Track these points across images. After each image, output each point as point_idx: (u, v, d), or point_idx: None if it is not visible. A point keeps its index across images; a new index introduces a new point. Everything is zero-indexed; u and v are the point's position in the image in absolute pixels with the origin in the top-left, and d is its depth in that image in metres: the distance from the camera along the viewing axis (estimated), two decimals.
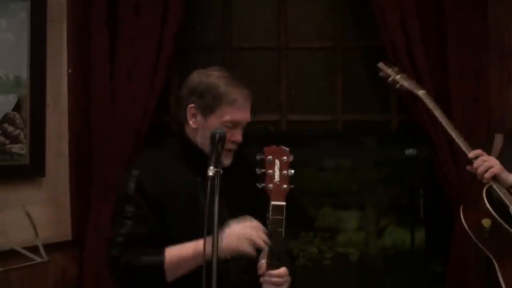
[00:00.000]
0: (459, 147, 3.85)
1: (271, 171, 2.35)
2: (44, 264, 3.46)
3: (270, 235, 2.31)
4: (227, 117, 2.42)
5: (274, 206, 2.33)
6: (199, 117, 2.47)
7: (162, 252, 2.34)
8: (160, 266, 2.32)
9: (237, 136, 2.46)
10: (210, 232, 2.09)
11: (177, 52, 4.16)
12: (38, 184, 3.89)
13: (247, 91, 2.48)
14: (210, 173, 2.16)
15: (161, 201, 2.41)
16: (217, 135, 2.29)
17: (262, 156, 2.39)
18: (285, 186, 2.36)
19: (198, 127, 2.48)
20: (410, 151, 4.07)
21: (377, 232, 4.28)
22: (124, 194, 2.45)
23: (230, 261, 2.37)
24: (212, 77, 2.48)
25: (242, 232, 2.30)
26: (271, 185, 2.34)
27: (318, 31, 4.36)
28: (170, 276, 2.33)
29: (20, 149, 3.73)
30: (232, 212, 2.43)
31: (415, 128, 4.02)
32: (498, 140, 3.09)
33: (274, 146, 2.41)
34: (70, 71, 4.04)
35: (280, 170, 2.36)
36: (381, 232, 4.28)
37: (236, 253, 2.32)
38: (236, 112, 2.43)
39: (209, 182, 2.14)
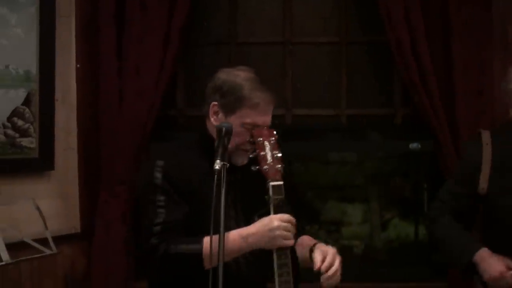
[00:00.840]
0: (463, 142, 3.92)
1: (263, 153, 2.37)
2: (53, 256, 3.51)
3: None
4: (247, 120, 2.44)
5: (274, 186, 2.34)
6: (220, 115, 2.49)
7: (200, 241, 2.37)
8: (199, 254, 2.36)
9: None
10: (218, 226, 2.12)
11: (184, 47, 4.19)
12: (47, 177, 3.92)
13: (271, 96, 2.49)
14: (217, 167, 2.18)
15: (186, 189, 2.45)
16: (224, 129, 2.30)
17: (251, 139, 2.42)
18: (278, 166, 2.37)
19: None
20: (414, 145, 4.07)
21: (382, 225, 4.28)
22: (152, 184, 2.47)
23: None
24: (238, 78, 2.49)
25: (274, 226, 2.31)
26: (266, 167, 2.35)
27: (323, 26, 4.38)
28: (208, 264, 2.33)
29: (30, 142, 3.76)
30: (245, 206, 2.49)
31: (419, 122, 4.04)
32: (486, 136, 3.06)
33: (261, 128, 2.44)
34: (78, 66, 4.06)
35: (271, 151, 2.38)
36: (386, 225, 4.28)
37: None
38: (257, 115, 2.45)
39: (215, 176, 2.17)
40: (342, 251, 4.18)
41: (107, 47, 4.01)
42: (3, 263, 3.18)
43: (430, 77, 3.90)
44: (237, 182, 2.40)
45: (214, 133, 2.46)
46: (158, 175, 2.46)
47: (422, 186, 4.21)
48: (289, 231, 2.33)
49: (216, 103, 2.50)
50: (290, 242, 2.34)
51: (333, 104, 4.34)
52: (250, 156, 2.42)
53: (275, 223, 2.31)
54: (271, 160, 2.36)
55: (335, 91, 4.34)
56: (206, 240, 2.33)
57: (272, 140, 2.40)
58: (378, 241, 4.29)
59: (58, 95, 3.92)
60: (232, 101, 2.45)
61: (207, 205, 2.30)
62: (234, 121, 2.43)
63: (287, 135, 4.29)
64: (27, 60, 3.73)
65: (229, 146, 2.39)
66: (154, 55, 3.97)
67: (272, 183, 2.34)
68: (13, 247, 3.33)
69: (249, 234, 2.37)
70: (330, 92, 4.36)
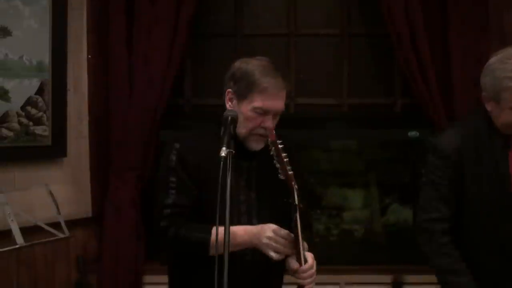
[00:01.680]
0: None
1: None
2: (66, 239, 3.57)
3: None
4: (256, 104, 2.44)
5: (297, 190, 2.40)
6: (234, 102, 2.51)
7: (209, 231, 2.40)
8: (206, 244, 2.41)
9: (267, 122, 2.46)
10: (224, 213, 2.14)
11: (191, 39, 4.25)
12: (60, 164, 4.00)
13: (282, 82, 2.45)
14: (223, 154, 2.20)
15: (198, 174, 2.48)
16: (229, 118, 2.34)
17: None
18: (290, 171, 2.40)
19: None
20: (413, 133, 4.13)
21: (381, 210, 4.31)
22: (167, 166, 2.52)
23: None
24: (250, 64, 2.50)
25: (269, 241, 2.37)
26: (290, 172, 2.38)
27: (326, 18, 4.45)
28: (213, 252, 2.35)
29: (43, 130, 3.85)
30: (260, 195, 2.52)
31: (418, 111, 4.12)
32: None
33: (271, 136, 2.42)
34: (89, 56, 4.13)
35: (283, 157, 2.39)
36: (385, 210, 4.28)
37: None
38: (266, 100, 2.44)
39: (221, 163, 2.18)
40: (343, 235, 4.25)
41: (117, 38, 4.06)
42: (17, 246, 3.25)
43: (429, 68, 3.97)
44: (251, 168, 2.43)
45: None
46: (173, 157, 2.50)
47: (420, 172, 4.20)
48: (280, 244, 2.37)
49: (230, 90, 2.52)
50: (276, 256, 2.38)
51: (335, 94, 4.42)
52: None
53: (267, 233, 2.37)
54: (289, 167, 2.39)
55: (337, 82, 4.42)
56: (215, 230, 2.32)
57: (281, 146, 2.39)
58: (377, 225, 4.29)
59: (70, 84, 4.00)
60: (243, 86, 2.46)
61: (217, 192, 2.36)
62: (246, 106, 2.45)
63: (291, 123, 4.34)
64: (40, 51, 3.81)
65: (244, 131, 2.46)
66: (162, 46, 4.01)
67: (296, 187, 2.39)
68: (28, 231, 3.39)
69: (252, 233, 2.42)
70: (332, 82, 4.43)
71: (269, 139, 2.35)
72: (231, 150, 2.23)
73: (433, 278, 4.08)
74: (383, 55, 4.38)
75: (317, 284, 4.00)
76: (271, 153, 2.35)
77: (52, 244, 3.70)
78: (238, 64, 2.53)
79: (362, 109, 4.45)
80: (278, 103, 2.47)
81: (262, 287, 2.61)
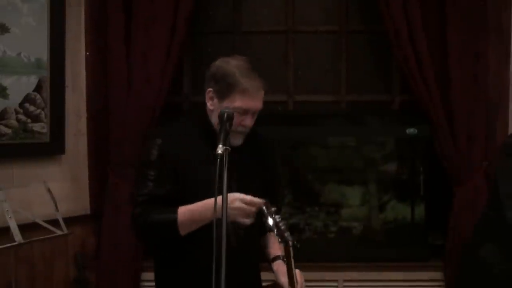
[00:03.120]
0: (458, 127, 3.98)
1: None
2: (64, 236, 3.58)
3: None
4: (237, 104, 2.54)
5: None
6: (215, 100, 2.60)
7: (175, 211, 2.52)
8: (173, 222, 2.51)
9: (247, 121, 2.58)
10: (224, 214, 2.19)
11: (189, 36, 4.25)
12: (58, 161, 4.01)
13: (260, 82, 2.58)
14: (219, 151, 2.29)
15: (179, 169, 2.58)
16: (225, 115, 2.43)
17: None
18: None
19: (214, 109, 2.61)
20: (411, 130, 4.12)
21: (379, 207, 4.28)
22: (148, 160, 2.62)
23: (229, 228, 2.48)
24: (229, 65, 2.58)
25: (235, 206, 2.43)
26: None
27: (324, 15, 4.45)
28: (183, 231, 2.53)
29: (41, 127, 3.85)
30: (241, 184, 2.56)
31: (416, 108, 4.12)
32: None
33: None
34: (88, 53, 4.13)
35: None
36: (383, 207, 4.26)
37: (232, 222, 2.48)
38: (246, 100, 2.54)
39: (218, 159, 2.26)
40: (341, 232, 4.27)
41: (116, 35, 4.06)
42: (16, 243, 3.25)
43: (427, 64, 3.97)
44: (233, 163, 2.45)
45: (212, 118, 2.63)
46: (155, 152, 2.60)
47: (418, 170, 4.21)
48: (248, 211, 2.45)
49: (211, 89, 2.61)
50: (247, 221, 2.46)
51: (333, 91, 4.43)
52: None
53: (236, 203, 2.44)
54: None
55: (335, 78, 4.42)
56: (181, 210, 2.51)
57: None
58: (376, 222, 4.30)
59: (68, 81, 4.00)
60: (224, 87, 2.55)
61: (201, 184, 2.51)
62: (227, 105, 2.54)
63: (289, 120, 4.36)
64: (38, 48, 3.81)
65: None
66: (161, 43, 4.01)
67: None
68: (26, 228, 3.40)
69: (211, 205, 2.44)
70: (330, 79, 4.44)
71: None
72: (227, 147, 2.31)
73: (431, 275, 4.14)
74: (382, 52, 4.37)
75: (315, 281, 4.04)
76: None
77: (50, 241, 3.70)
78: (218, 63, 2.63)
79: (360, 106, 4.46)
80: (257, 103, 2.59)
81: (245, 275, 2.69)
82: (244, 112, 2.57)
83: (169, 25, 4.02)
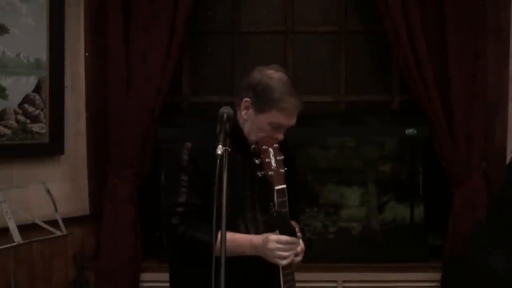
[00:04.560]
0: (457, 127, 3.98)
1: (267, 160, 2.48)
2: (63, 237, 3.58)
3: (278, 217, 2.45)
4: (274, 120, 2.54)
5: (278, 190, 2.46)
6: (251, 111, 2.59)
7: (216, 235, 2.39)
8: (210, 245, 2.35)
9: (279, 135, 2.58)
10: (223, 216, 2.18)
11: (188, 36, 4.25)
12: (57, 161, 4.02)
13: (299, 101, 2.57)
14: (219, 152, 2.25)
15: (209, 174, 2.49)
16: (225, 115, 2.39)
17: (256, 146, 2.55)
18: (281, 170, 2.49)
19: (248, 118, 2.60)
20: (410, 131, 4.11)
21: (378, 207, 4.29)
22: (178, 165, 2.58)
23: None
24: (271, 80, 2.56)
25: (269, 247, 2.44)
26: (271, 172, 2.46)
27: (323, 16, 4.44)
28: (217, 253, 2.37)
29: (40, 128, 3.85)
30: (264, 187, 2.54)
31: (415, 109, 4.12)
32: None
33: (267, 136, 2.55)
34: (87, 54, 4.14)
35: (275, 157, 2.49)
36: (382, 208, 4.27)
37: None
38: (284, 118, 2.55)
39: (217, 161, 2.23)
40: (340, 232, 4.27)
41: (115, 35, 4.06)
42: (15, 244, 3.26)
43: (426, 65, 3.97)
44: (257, 164, 2.48)
45: (243, 125, 2.62)
46: (185, 157, 2.56)
47: (417, 170, 4.22)
48: (285, 251, 2.44)
49: (248, 99, 2.58)
50: (283, 262, 2.45)
51: (332, 91, 4.43)
52: (257, 163, 2.50)
53: (269, 245, 2.44)
54: (275, 166, 2.47)
55: (334, 79, 4.43)
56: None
57: (276, 146, 2.51)
58: (375, 223, 4.30)
59: (67, 82, 4.00)
60: (264, 101, 2.54)
61: (229, 192, 2.38)
62: (263, 118, 2.54)
63: None
64: (38, 48, 3.81)
65: (254, 139, 2.56)
66: (160, 43, 4.01)
67: (277, 187, 2.46)
68: (25, 228, 3.41)
69: (255, 244, 2.49)
70: (329, 80, 4.44)
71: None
72: (227, 148, 2.28)
73: (430, 275, 4.14)
74: (381, 53, 4.37)
75: (315, 281, 4.04)
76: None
77: (49, 242, 3.70)
78: (258, 75, 2.59)
79: (359, 106, 4.45)
80: (293, 120, 2.60)
81: (261, 284, 2.65)
82: (279, 127, 2.57)
83: (168, 25, 4.01)
